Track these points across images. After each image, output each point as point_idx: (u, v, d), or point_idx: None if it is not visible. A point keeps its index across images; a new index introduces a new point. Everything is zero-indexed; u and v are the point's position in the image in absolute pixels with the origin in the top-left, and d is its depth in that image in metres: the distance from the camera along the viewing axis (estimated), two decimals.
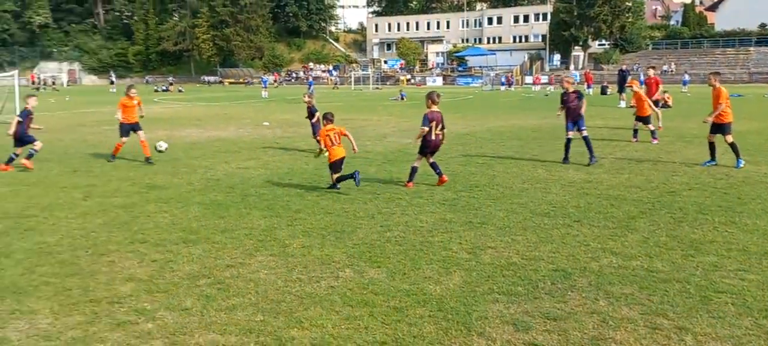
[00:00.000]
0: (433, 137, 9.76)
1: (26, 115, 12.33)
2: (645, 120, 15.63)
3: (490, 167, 11.90)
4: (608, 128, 19.49)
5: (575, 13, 72.42)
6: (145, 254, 6.46)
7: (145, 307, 5.00)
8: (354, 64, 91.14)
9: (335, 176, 9.79)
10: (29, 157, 12.24)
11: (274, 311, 4.87)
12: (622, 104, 28.96)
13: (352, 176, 9.43)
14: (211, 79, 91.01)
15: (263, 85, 51.76)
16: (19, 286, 5.51)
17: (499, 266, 5.91)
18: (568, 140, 12.37)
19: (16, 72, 28.98)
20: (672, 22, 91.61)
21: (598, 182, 10.25)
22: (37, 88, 64.03)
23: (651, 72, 19.79)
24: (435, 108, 9.80)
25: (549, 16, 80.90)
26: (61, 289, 5.43)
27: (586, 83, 47.06)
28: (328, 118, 10.10)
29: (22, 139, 12.24)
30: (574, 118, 12.23)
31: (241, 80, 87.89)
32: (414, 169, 10.07)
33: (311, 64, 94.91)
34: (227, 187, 10.19)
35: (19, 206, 8.83)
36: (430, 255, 6.28)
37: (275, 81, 64.78)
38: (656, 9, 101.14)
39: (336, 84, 73.97)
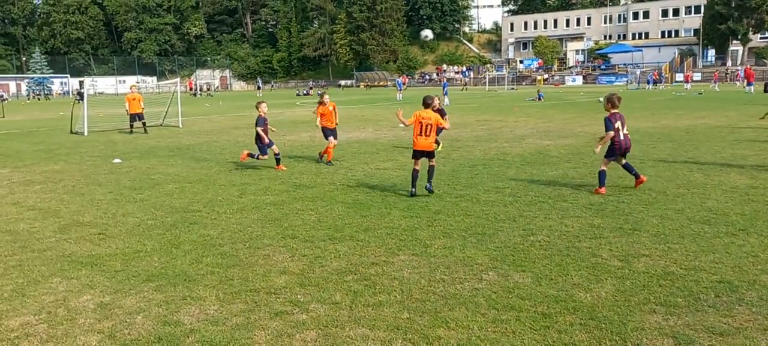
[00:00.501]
0: (622, 138, 9.28)
1: (263, 121, 12.66)
2: None
3: (641, 170, 11.22)
4: None
5: (733, 4, 66.64)
6: (296, 249, 6.80)
7: (299, 299, 5.27)
8: (488, 65, 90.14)
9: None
10: (278, 161, 12.78)
11: (419, 310, 4.93)
12: None
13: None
14: (347, 82, 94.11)
15: (398, 88, 52.69)
16: (188, 274, 6.02)
17: (654, 275, 5.56)
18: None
19: (178, 79, 31.86)
20: None
21: (765, 187, 9.36)
22: (194, 94, 69.63)
23: None
24: (615, 111, 9.28)
25: (703, 9, 75.11)
26: (225, 278, 5.86)
27: (746, 80, 43.19)
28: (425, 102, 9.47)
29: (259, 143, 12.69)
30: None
31: (378, 83, 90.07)
32: (602, 174, 9.46)
33: (444, 66, 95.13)
34: (367, 187, 10.47)
35: (185, 202, 9.64)
36: (578, 261, 6.05)
37: (404, 84, 65.91)
38: None
39: (465, 85, 73.48)
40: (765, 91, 38.72)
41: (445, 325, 4.63)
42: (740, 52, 73.31)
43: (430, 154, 9.46)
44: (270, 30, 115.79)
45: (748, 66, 54.84)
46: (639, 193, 9.23)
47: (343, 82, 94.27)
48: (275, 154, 12.72)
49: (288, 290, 5.49)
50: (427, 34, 18.38)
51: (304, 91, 67.42)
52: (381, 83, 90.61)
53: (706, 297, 4.98)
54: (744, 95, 38.84)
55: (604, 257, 6.15)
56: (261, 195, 10.04)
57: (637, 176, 9.48)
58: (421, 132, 9.26)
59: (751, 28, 69.03)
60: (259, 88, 75.52)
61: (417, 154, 9.41)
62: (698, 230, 7.03)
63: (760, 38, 73.26)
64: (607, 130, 9.24)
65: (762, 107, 26.09)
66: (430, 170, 9.58)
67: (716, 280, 5.38)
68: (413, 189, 9.44)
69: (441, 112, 14.25)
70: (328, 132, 13.68)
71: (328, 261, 6.31)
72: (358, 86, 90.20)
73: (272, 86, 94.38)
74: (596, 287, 5.33)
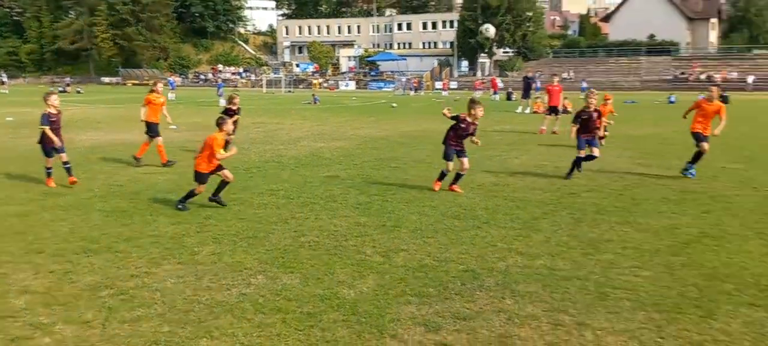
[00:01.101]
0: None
1: (47, 118, 10.25)
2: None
3: (404, 171, 12.07)
4: (515, 132, 20.23)
5: (479, 22, 74.76)
6: (41, 265, 6.09)
7: (42, 321, 4.72)
8: (264, 67, 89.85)
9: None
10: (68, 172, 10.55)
11: (181, 322, 4.73)
12: (524, 110, 30.14)
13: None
14: (111, 79, 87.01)
15: (171, 87, 50.09)
16: None
17: (411, 268, 6.01)
18: (581, 159, 11.23)
19: None
20: (570, 32, 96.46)
21: (504, 184, 10.63)
22: None
23: (555, 80, 21.30)
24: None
25: (456, 24, 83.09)
26: None
27: (492, 89, 48.69)
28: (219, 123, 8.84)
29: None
30: (590, 136, 11.39)
31: (145, 82, 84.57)
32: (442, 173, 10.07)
33: (220, 66, 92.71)
34: (131, 193, 9.78)
35: None
36: (344, 259, 6.30)
37: (167, 83, 62.39)
38: (555, 19, 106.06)
39: (235, 86, 72.49)
40: (508, 99, 44.13)
41: (209, 335, 4.50)
42: (488, 64, 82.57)
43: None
44: (15, 18, 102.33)
45: (494, 77, 61.93)
46: (402, 191, 9.90)
47: (106, 80, 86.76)
48: (64, 163, 10.41)
49: (28, 312, 4.89)
50: (488, 28, 17.98)
51: (60, 88, 60.68)
52: (149, 82, 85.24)
53: (454, 286, 5.51)
54: (491, 102, 43.84)
55: (368, 254, 6.48)
56: (1, 205, 8.81)
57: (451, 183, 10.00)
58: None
59: (495, 43, 78.06)
60: (2, 82, 66.29)
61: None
62: (450, 225, 7.74)
63: (503, 52, 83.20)
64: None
65: (505, 113, 29.65)
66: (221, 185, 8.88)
67: (462, 269, 5.97)
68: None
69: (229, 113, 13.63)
70: (153, 129, 12.67)
71: (80, 276, 5.76)
72: (125, 84, 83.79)
73: (25, 81, 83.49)
74: (359, 283, 5.59)
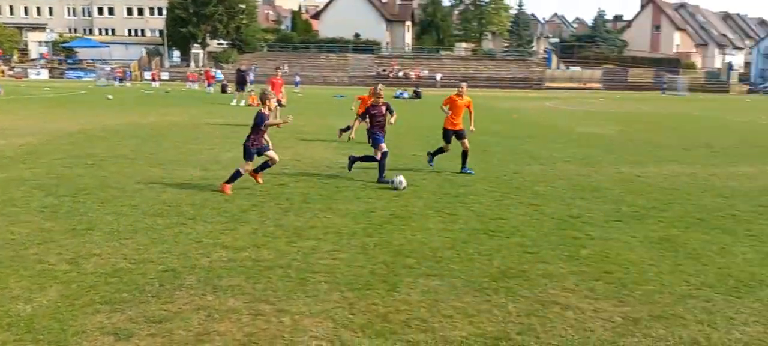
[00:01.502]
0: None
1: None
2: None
3: (102, 169, 11.05)
4: (229, 125, 20.01)
5: (191, 11, 72.35)
6: None
7: None
8: None
9: None
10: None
11: None
12: (239, 102, 30.06)
13: None
14: None
15: None
16: None
17: (104, 273, 5.51)
18: (384, 155, 10.73)
19: None
20: (283, 27, 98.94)
21: (214, 178, 10.42)
22: None
23: (278, 72, 21.74)
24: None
25: (165, 11, 79.13)
26: None
27: (206, 82, 47.50)
28: None
29: None
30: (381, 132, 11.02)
31: None
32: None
33: None
34: None
35: None
36: (21, 271, 5.51)
37: None
38: (269, 13, 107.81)
39: None
40: (223, 91, 43.47)
41: None
42: (201, 55, 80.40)
43: None
44: None
45: (208, 69, 60.54)
46: (98, 191, 9.05)
47: None
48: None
49: None
50: (401, 181, 14.60)
51: None
52: None
53: (151, 288, 5.20)
54: (205, 95, 42.75)
55: (52, 262, 5.77)
56: None
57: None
58: None
59: (208, 34, 76.40)
60: None
61: None
62: (151, 224, 7.31)
63: (217, 44, 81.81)
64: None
65: (220, 106, 29.19)
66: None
67: (162, 269, 5.67)
68: None
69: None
70: None
71: None
72: None
73: None
74: (39, 296, 4.94)
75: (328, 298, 5.09)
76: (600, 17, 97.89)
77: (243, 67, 34.38)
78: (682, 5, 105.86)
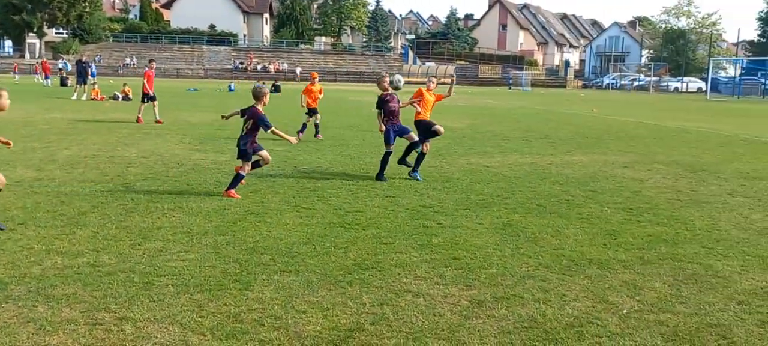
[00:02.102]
0: None
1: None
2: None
3: None
4: (67, 120, 18.52)
5: None
6: None
7: None
8: None
9: None
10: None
11: None
12: (80, 97, 27.92)
13: None
14: None
15: None
16: None
17: None
18: (388, 154, 10.47)
19: None
20: (131, 16, 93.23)
21: (49, 179, 9.59)
22: None
23: (153, 65, 20.31)
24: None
25: None
26: None
27: (43, 74, 43.70)
28: None
29: None
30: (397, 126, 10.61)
31: None
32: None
33: None
34: None
35: None
36: None
37: None
38: (115, 2, 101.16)
39: None
40: (62, 84, 40.12)
41: None
42: (38, 46, 73.66)
43: None
44: None
45: (45, 59, 55.58)
46: None
47: None
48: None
49: None
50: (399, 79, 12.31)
51: None
52: None
53: None
54: (43, 88, 39.26)
55: None
56: None
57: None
58: None
59: (45, 23, 70.18)
60: None
61: None
62: None
63: (56, 33, 75.43)
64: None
65: (57, 100, 26.93)
66: None
67: None
68: None
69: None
70: None
71: None
72: None
73: None
74: None
75: (175, 301, 4.85)
76: (452, 15, 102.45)
77: (84, 59, 31.93)
78: (525, 6, 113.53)
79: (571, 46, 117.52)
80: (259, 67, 72.14)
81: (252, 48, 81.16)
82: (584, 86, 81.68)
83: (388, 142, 10.51)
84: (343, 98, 37.60)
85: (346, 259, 6.09)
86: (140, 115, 19.07)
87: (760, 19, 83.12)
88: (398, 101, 10.73)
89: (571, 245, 6.83)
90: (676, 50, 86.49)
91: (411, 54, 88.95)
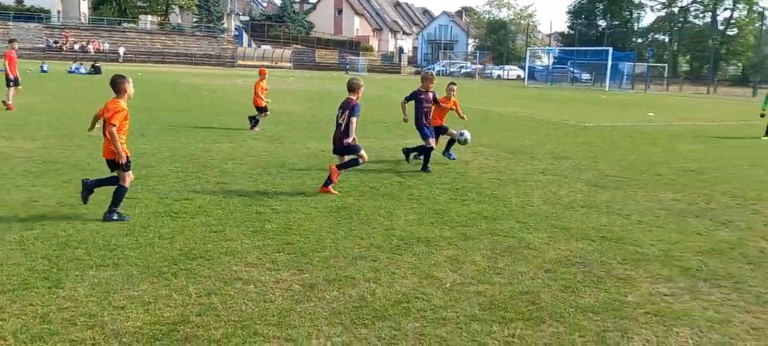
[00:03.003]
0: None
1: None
2: None
3: None
4: None
5: None
6: None
7: None
8: None
9: None
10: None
11: None
12: None
13: None
14: None
15: None
16: None
17: None
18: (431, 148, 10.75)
19: None
20: None
21: None
22: None
23: (15, 46, 17.80)
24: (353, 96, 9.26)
25: None
26: None
27: None
28: None
29: None
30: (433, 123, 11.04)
31: None
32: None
33: None
34: None
35: None
36: None
37: None
38: None
39: None
40: None
41: None
42: None
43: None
44: None
45: None
46: None
47: None
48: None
49: None
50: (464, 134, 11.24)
51: None
52: None
53: None
54: None
55: None
56: None
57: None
58: None
59: None
60: None
61: None
62: None
63: None
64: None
65: None
66: None
67: None
68: None
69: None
70: None
71: None
72: None
73: None
74: None
75: None
76: None
77: None
78: None
79: (404, 33, 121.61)
80: (76, 46, 66.18)
81: (68, 25, 74.20)
82: (417, 72, 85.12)
83: (427, 137, 10.71)
84: (177, 82, 35.71)
85: (172, 249, 5.79)
86: (10, 102, 16.69)
87: (569, 12, 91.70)
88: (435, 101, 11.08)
89: (402, 225, 7.07)
90: (498, 40, 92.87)
91: (245, 36, 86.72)
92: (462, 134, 11.38)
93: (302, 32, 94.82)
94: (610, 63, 55.61)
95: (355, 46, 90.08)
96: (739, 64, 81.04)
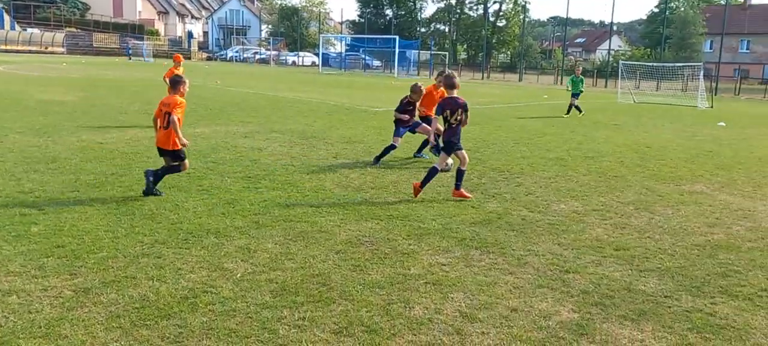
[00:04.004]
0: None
1: None
2: None
3: None
4: None
5: None
6: None
7: None
8: None
9: None
10: None
11: None
12: None
13: None
14: None
15: None
16: None
17: None
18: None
19: None
20: None
21: None
22: None
23: None
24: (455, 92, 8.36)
25: None
26: None
27: None
28: None
29: None
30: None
31: None
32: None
33: None
34: None
35: None
36: None
37: None
38: None
39: None
40: None
41: None
42: None
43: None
44: None
45: None
46: None
47: None
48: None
49: None
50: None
51: None
52: None
53: None
54: None
55: None
56: None
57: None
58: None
59: None
60: None
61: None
62: None
63: None
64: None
65: None
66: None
67: None
68: None
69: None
70: None
71: None
72: None
73: None
74: None
75: None
76: None
77: None
78: None
79: (193, 17, 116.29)
80: None
81: None
82: (209, 59, 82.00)
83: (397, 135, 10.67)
84: None
85: None
86: None
87: (359, 0, 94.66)
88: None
89: (190, 217, 6.79)
90: (292, 26, 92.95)
91: (7, 18, 76.59)
92: (448, 165, 9.77)
93: (76, 14, 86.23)
94: (397, 51, 58.50)
95: (139, 29, 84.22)
96: (508, 52, 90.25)
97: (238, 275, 5.14)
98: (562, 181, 9.82)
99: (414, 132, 11.30)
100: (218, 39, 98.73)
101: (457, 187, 8.42)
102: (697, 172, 11.09)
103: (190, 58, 77.75)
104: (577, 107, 21.32)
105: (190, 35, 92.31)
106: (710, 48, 65.04)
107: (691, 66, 37.33)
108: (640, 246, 6.44)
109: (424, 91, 10.92)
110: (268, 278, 5.09)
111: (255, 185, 8.61)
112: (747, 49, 70.61)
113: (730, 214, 8.06)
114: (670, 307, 4.86)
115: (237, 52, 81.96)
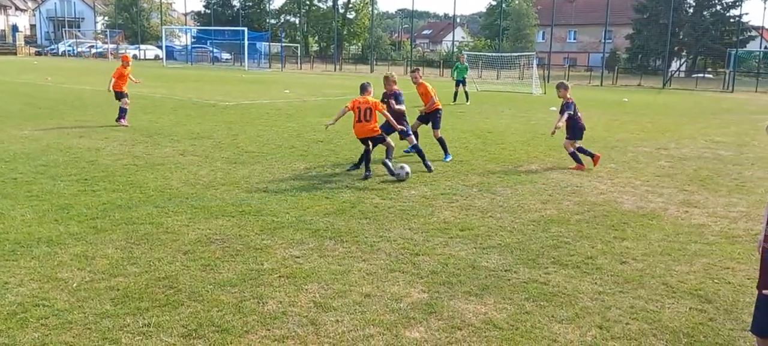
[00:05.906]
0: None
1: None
2: None
3: None
4: None
5: None
6: None
7: None
8: None
9: None
10: None
11: None
12: None
13: None
14: None
15: None
16: None
17: None
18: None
19: None
20: None
21: None
22: None
23: None
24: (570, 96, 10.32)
25: None
26: None
27: None
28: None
29: None
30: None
31: None
32: (574, 154, 10.36)
33: None
34: None
35: None
36: None
37: None
38: None
39: None
40: None
41: None
42: None
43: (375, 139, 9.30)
44: None
45: None
46: None
47: None
48: None
49: None
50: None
51: None
52: None
53: None
54: None
55: None
56: None
57: (591, 155, 10.46)
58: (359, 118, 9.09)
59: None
60: None
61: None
62: None
63: None
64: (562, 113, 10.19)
65: None
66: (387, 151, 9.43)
67: None
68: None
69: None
70: None
71: None
72: None
73: None
74: None
75: None
76: None
77: None
78: None
79: (18, 9, 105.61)
80: None
81: None
82: (38, 53, 74.98)
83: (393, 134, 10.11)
84: None
85: None
86: None
87: None
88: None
89: (18, 226, 6.20)
90: (131, 18, 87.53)
91: None
92: (402, 168, 9.21)
93: None
94: (246, 43, 57.16)
95: None
96: (359, 44, 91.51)
97: (75, 284, 4.77)
98: (413, 167, 10.16)
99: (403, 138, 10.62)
100: (48, 32, 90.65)
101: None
102: (532, 153, 11.99)
103: (15, 54, 70.75)
104: (465, 93, 22.73)
105: (14, 29, 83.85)
106: (542, 38, 70.40)
107: (526, 55, 40.16)
108: (483, 225, 6.85)
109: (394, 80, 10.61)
110: (109, 286, 4.77)
111: (92, 187, 8.04)
112: (574, 39, 77.34)
113: (561, 190, 8.80)
114: (509, 280, 5.22)
115: (70, 46, 75.68)
